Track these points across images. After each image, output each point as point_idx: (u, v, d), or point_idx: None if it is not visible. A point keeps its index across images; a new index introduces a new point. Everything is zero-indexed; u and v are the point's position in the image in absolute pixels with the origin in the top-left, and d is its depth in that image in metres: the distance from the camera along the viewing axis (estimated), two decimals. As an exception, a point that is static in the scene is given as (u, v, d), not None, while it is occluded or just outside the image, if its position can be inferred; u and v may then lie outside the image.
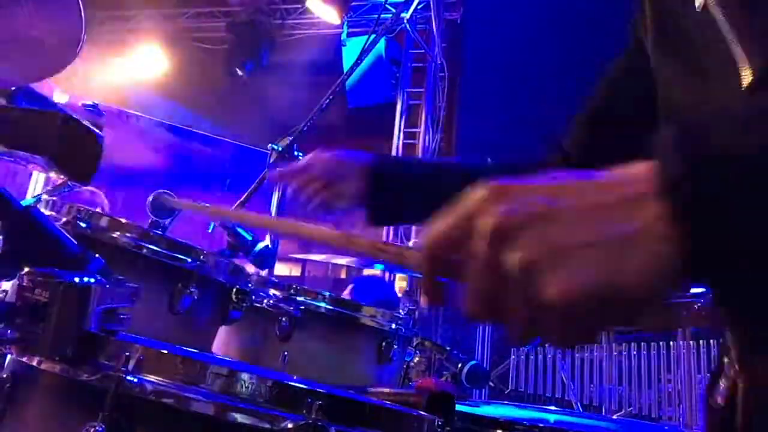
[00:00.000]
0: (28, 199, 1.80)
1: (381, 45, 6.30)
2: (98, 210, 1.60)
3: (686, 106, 0.82)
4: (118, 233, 1.57)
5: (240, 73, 7.13)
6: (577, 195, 0.52)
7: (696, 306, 2.76)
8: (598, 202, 0.51)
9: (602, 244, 0.49)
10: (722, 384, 0.77)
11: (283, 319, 1.86)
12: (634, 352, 3.40)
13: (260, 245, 1.83)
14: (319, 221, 1.29)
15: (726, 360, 0.78)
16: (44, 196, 1.68)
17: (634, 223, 0.49)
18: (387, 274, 5.62)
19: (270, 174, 1.44)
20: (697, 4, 0.77)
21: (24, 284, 0.86)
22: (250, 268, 1.85)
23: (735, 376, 0.74)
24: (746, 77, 0.70)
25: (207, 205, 1.44)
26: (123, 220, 1.59)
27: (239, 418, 0.87)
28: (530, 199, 0.52)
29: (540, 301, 0.49)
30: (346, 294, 3.14)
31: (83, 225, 1.54)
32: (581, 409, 3.25)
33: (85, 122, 0.84)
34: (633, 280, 0.48)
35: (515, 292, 0.51)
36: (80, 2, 1.15)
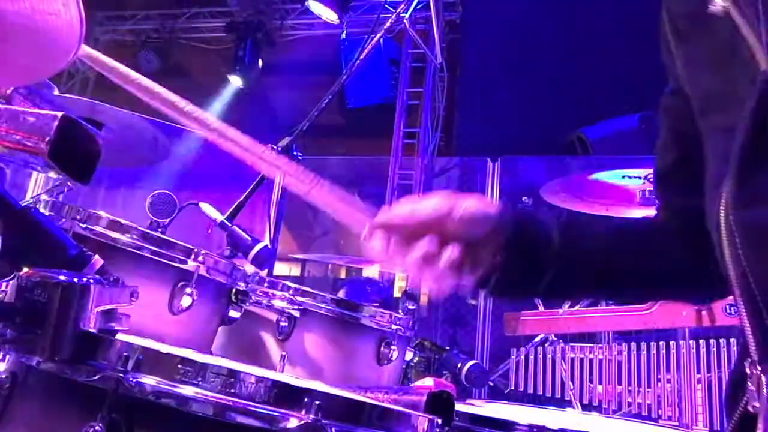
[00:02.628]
0: (28, 199, 1.80)
1: (380, 45, 6.30)
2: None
3: (717, 114, 0.85)
4: (118, 233, 1.57)
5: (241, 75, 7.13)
6: None
7: (696, 306, 2.76)
8: None
9: None
10: (751, 387, 0.77)
11: (283, 319, 1.86)
12: (634, 352, 3.40)
13: (259, 246, 1.83)
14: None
15: (747, 363, 0.78)
16: (44, 197, 1.68)
17: None
18: (385, 275, 5.62)
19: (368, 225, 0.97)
20: (712, 7, 0.80)
21: (23, 284, 0.86)
22: (250, 268, 1.84)
23: (759, 377, 0.75)
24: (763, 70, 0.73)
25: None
26: (122, 221, 1.59)
27: (239, 418, 0.87)
28: None
29: None
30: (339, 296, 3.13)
31: (82, 225, 1.54)
32: (580, 409, 3.25)
33: (84, 122, 0.84)
34: None
35: None
36: (79, 2, 1.15)
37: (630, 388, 3.36)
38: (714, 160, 0.89)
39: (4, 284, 0.85)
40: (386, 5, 4.00)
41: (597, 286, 1.10)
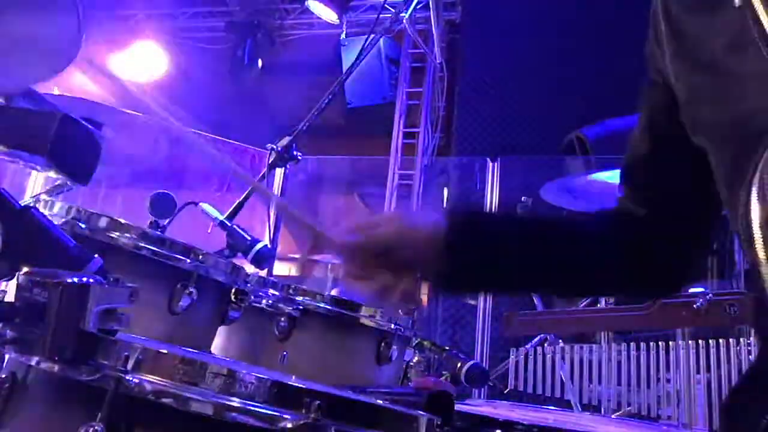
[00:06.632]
0: (27, 199, 1.80)
1: (380, 45, 6.30)
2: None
3: (717, 116, 0.85)
4: (117, 233, 1.57)
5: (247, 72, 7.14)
6: None
7: (695, 306, 2.75)
8: None
9: None
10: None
11: (282, 319, 1.86)
12: (634, 352, 3.40)
13: (259, 245, 1.83)
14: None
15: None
16: (43, 196, 1.68)
17: None
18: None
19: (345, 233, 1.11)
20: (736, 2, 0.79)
21: (23, 284, 0.86)
22: (250, 268, 1.85)
23: None
24: None
25: None
26: (122, 220, 1.59)
27: (238, 418, 0.87)
28: None
29: None
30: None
31: (82, 225, 1.54)
32: (580, 409, 3.25)
33: (84, 122, 0.84)
34: None
35: None
36: (79, 6, 1.15)
37: (630, 388, 3.35)
38: (722, 157, 0.88)
39: (4, 284, 0.86)
40: (386, 5, 4.00)
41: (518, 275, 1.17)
